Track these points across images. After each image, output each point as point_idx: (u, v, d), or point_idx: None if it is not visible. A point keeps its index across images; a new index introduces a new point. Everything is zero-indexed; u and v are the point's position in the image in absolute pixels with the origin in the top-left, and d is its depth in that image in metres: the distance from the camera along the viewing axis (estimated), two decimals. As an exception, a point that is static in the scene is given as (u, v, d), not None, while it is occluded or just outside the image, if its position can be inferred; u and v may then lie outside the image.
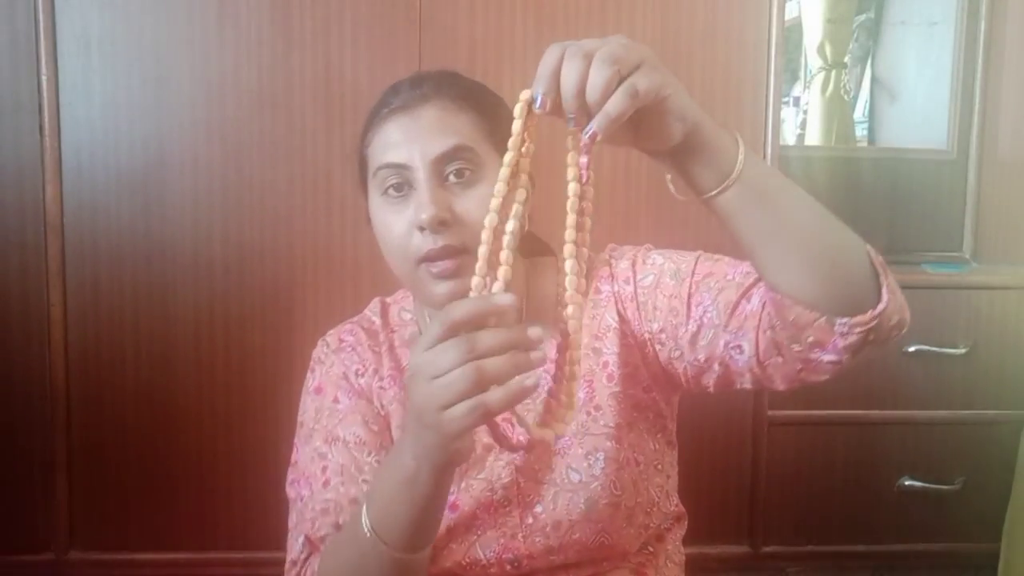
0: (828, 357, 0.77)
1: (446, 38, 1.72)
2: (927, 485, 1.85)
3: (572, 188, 0.71)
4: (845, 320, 0.74)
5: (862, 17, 2.28)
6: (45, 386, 1.72)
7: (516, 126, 0.71)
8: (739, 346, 0.84)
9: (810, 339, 0.76)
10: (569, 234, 0.73)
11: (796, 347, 0.78)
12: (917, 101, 2.19)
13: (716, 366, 0.87)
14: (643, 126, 0.69)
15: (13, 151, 1.68)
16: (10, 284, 1.70)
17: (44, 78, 1.67)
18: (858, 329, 0.74)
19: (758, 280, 0.83)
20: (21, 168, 1.69)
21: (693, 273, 0.90)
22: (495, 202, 0.71)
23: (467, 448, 0.73)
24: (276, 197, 1.72)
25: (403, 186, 0.89)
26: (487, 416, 0.68)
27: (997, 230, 1.99)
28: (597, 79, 0.64)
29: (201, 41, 1.69)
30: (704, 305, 0.86)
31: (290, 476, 0.97)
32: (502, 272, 0.71)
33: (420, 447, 0.72)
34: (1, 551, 1.74)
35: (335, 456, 0.92)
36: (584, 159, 0.68)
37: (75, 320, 1.72)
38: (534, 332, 0.68)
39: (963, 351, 1.82)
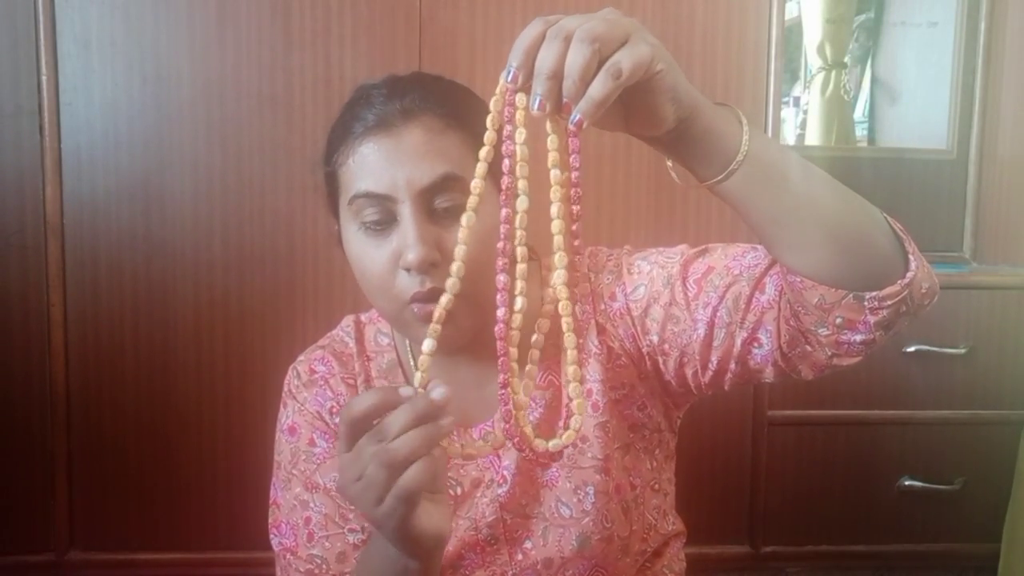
0: (860, 337, 0.71)
1: (446, 38, 1.71)
2: (927, 485, 1.85)
3: (555, 175, 0.64)
4: (874, 294, 0.69)
5: (862, 17, 2.28)
6: (45, 386, 1.72)
7: (490, 120, 0.65)
8: (757, 340, 0.78)
9: (838, 320, 0.71)
10: (556, 225, 0.65)
11: (824, 331, 0.72)
12: (917, 101, 2.19)
13: (733, 365, 0.81)
14: (633, 107, 0.65)
15: (13, 151, 1.68)
16: (10, 285, 1.70)
17: (44, 78, 1.66)
18: (889, 302, 0.69)
19: (768, 269, 0.78)
20: (21, 168, 1.68)
21: (687, 274, 0.83)
22: (468, 217, 0.68)
23: (445, 532, 0.71)
24: (276, 197, 1.72)
25: (383, 218, 0.80)
26: (412, 499, 0.65)
27: (997, 230, 1.99)
28: (575, 61, 0.59)
29: (201, 41, 1.69)
30: (711, 305, 0.80)
31: (271, 519, 0.92)
32: (518, 304, 0.68)
33: (397, 545, 0.70)
34: (1, 551, 1.74)
35: (317, 505, 0.88)
36: (574, 142, 0.62)
37: (75, 321, 1.71)
38: (437, 394, 0.65)
39: (963, 351, 1.82)
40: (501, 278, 0.68)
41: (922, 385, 1.84)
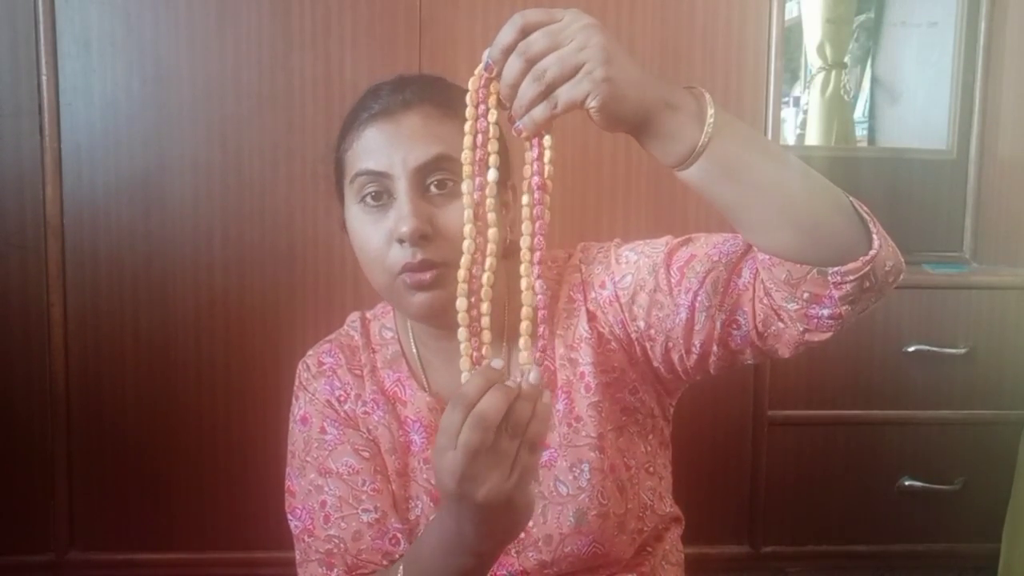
0: (827, 311, 0.76)
1: (446, 38, 1.72)
2: (927, 485, 1.85)
3: (526, 170, 0.72)
4: (837, 269, 0.73)
5: (862, 17, 2.28)
6: (45, 386, 1.72)
7: (469, 98, 0.72)
8: (736, 321, 0.83)
9: (806, 295, 0.75)
10: (526, 227, 0.72)
11: (793, 306, 0.77)
12: (917, 101, 2.19)
13: (715, 348, 0.85)
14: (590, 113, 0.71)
15: (13, 152, 1.68)
16: (10, 285, 1.70)
17: (44, 78, 1.67)
18: (851, 277, 0.73)
19: (744, 254, 0.82)
20: (21, 169, 1.68)
21: (670, 262, 0.88)
22: (468, 212, 0.72)
23: (534, 503, 0.76)
24: (276, 197, 1.72)
25: (381, 195, 0.87)
26: (536, 463, 0.72)
27: (997, 230, 1.99)
28: (525, 92, 0.68)
29: (201, 41, 1.69)
30: (692, 290, 0.84)
31: (287, 505, 0.97)
32: (485, 279, 0.72)
33: (490, 542, 0.75)
34: (1, 551, 1.74)
35: (332, 489, 0.93)
36: (537, 144, 0.71)
37: (75, 321, 1.72)
38: (535, 378, 0.70)
39: (963, 351, 1.82)
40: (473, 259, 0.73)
41: (922, 385, 1.84)
